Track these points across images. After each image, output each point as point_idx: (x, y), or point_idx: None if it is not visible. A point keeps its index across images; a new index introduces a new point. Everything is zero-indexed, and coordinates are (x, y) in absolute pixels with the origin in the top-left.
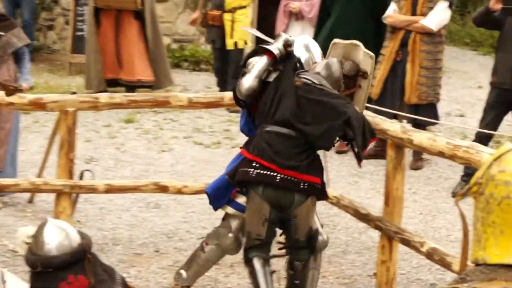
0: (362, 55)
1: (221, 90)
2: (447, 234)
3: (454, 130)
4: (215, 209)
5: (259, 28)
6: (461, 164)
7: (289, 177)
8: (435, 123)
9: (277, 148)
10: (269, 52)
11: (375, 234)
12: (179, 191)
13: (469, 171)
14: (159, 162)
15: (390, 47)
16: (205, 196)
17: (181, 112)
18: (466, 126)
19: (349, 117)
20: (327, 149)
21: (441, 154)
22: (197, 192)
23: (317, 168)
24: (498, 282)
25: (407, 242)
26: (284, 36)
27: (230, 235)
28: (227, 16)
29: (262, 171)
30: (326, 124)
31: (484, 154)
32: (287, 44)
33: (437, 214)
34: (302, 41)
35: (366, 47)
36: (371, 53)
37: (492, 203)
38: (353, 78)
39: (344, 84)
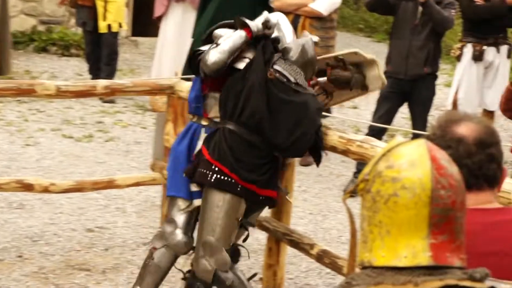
0: (374, 76)
1: (93, 78)
2: (338, 236)
3: (347, 123)
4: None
5: (136, 10)
6: (355, 160)
7: (249, 189)
8: (327, 116)
9: (240, 156)
10: (248, 29)
11: (262, 236)
12: (46, 190)
13: (361, 168)
14: (23, 157)
15: None
16: (75, 195)
17: (49, 102)
18: (359, 119)
19: (320, 125)
20: (296, 157)
21: (333, 149)
22: (65, 191)
23: (276, 180)
24: (385, 286)
25: (295, 244)
26: (265, 15)
27: (178, 231)
28: None
29: (222, 177)
30: (299, 132)
31: (378, 148)
32: (267, 26)
33: (328, 214)
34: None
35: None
36: (384, 79)
37: (379, 201)
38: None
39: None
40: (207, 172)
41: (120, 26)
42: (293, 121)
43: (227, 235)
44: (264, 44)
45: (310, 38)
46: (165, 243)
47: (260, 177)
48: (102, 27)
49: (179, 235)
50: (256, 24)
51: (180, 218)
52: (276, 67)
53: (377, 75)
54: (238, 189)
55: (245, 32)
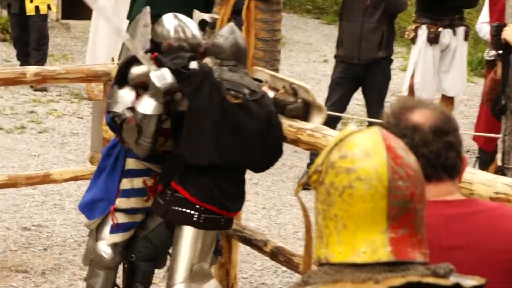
0: (317, 120)
1: (22, 64)
2: (294, 231)
3: None
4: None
5: None
6: (306, 150)
7: (231, 217)
8: None
9: (227, 189)
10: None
11: None
12: None
13: (315, 158)
14: None
15: (220, 14)
16: (8, 191)
17: None
18: None
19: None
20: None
21: (283, 138)
22: None
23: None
24: (344, 284)
25: (248, 241)
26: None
27: (101, 242)
28: None
29: (210, 216)
30: (270, 147)
31: (331, 138)
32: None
33: (282, 208)
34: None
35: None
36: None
37: (333, 194)
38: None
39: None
40: (191, 212)
41: (49, 8)
42: (263, 138)
43: (210, 256)
44: (198, 72)
45: (230, 23)
46: (91, 258)
47: (241, 203)
48: (29, 9)
49: (102, 243)
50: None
51: (104, 230)
52: (226, 82)
53: (320, 122)
54: (222, 222)
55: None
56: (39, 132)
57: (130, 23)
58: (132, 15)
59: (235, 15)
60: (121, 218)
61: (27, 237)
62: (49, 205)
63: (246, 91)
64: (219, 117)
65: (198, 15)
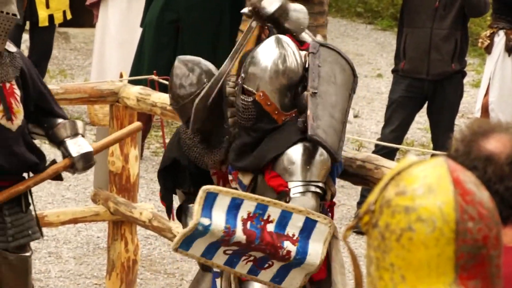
0: None
1: None
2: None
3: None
4: None
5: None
6: (356, 185)
7: None
8: None
9: None
10: None
11: None
12: None
13: (367, 195)
14: None
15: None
16: None
17: None
18: (362, 131)
19: None
20: None
21: None
22: None
23: None
24: None
25: None
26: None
27: None
28: None
29: None
30: None
31: (387, 170)
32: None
33: None
34: None
35: (221, 19)
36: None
37: (389, 238)
38: None
39: None
40: None
41: (64, 16)
42: None
43: None
44: None
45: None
46: None
47: None
48: (43, 19)
49: None
50: None
51: None
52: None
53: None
54: None
55: None
56: None
57: (144, 32)
58: (146, 22)
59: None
60: None
61: None
62: (43, 254)
63: None
64: None
65: None
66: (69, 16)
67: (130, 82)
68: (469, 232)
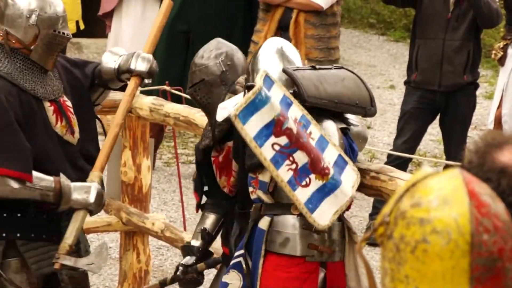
0: None
1: None
2: None
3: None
4: None
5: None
6: (369, 196)
7: None
8: None
9: None
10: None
11: None
12: None
13: (380, 207)
14: None
15: (264, 31)
16: None
17: None
18: (374, 142)
19: None
20: None
21: None
22: None
23: None
24: None
25: None
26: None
27: None
28: None
29: None
30: None
31: (401, 181)
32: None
33: None
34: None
35: (233, 31)
36: None
37: (404, 250)
38: None
39: None
40: None
41: (77, 26)
42: None
43: None
44: None
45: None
46: None
47: None
48: None
49: None
50: None
51: None
52: None
53: None
54: None
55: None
56: None
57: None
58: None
59: (281, 31)
60: None
61: None
62: None
63: None
64: None
65: None
66: (82, 27)
67: (143, 92)
68: (484, 245)
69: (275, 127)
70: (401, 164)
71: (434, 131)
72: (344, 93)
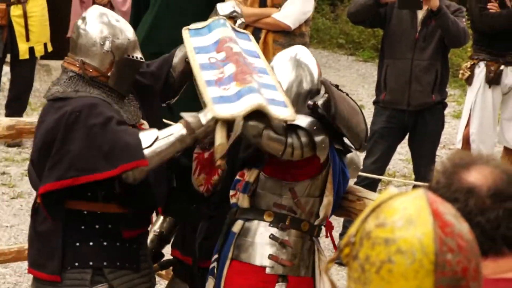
0: None
1: None
2: None
3: None
4: None
5: (50, 22)
6: (338, 217)
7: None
8: None
9: None
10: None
11: None
12: None
13: (350, 226)
14: None
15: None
16: None
17: None
18: None
19: None
20: None
21: None
22: None
23: None
24: None
25: None
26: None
27: None
28: (14, 11)
29: None
30: None
31: (368, 201)
32: None
33: None
34: None
35: None
36: None
37: (369, 270)
38: None
39: None
40: None
41: (46, 48)
42: None
43: None
44: None
45: None
46: None
47: None
48: (23, 51)
49: None
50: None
51: None
52: None
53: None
54: None
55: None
56: (12, 198)
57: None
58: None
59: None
60: None
61: None
62: None
63: None
64: None
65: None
66: (50, 49)
67: None
68: (448, 264)
69: (218, 44)
70: (371, 184)
71: (403, 150)
72: (354, 120)
